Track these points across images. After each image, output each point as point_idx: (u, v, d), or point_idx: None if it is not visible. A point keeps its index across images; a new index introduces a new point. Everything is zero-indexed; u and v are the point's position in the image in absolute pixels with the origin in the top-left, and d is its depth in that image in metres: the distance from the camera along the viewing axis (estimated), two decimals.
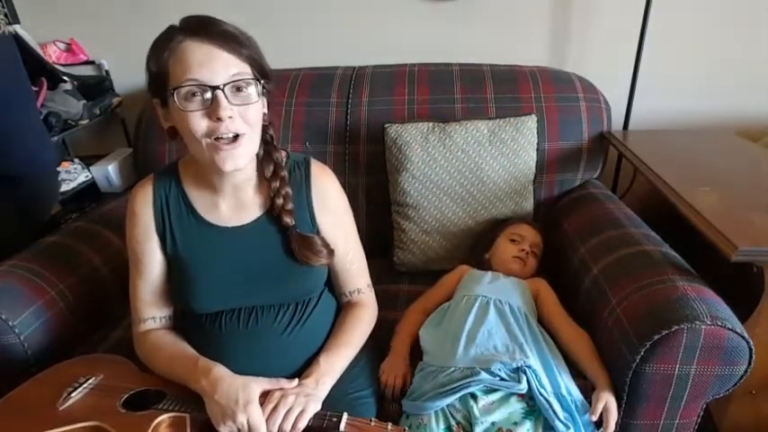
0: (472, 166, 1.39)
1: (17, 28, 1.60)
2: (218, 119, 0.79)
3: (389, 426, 0.80)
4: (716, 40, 1.70)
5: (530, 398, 0.93)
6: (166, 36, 0.81)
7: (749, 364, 0.91)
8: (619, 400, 0.97)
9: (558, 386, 0.95)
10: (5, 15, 1.66)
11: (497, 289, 1.16)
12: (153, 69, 0.82)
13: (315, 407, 0.82)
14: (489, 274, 1.23)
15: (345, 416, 0.81)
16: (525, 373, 0.94)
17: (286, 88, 1.53)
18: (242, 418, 0.78)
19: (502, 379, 0.94)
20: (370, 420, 0.81)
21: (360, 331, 1.00)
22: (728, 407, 1.13)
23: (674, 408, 0.97)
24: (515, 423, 0.89)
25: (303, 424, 0.80)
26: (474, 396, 0.92)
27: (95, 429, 0.82)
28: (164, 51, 0.80)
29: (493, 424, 0.89)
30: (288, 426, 0.79)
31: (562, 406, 0.92)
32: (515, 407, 0.92)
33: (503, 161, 1.40)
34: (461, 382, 0.93)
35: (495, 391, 0.93)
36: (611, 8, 1.67)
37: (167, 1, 1.69)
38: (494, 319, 1.07)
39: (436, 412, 0.93)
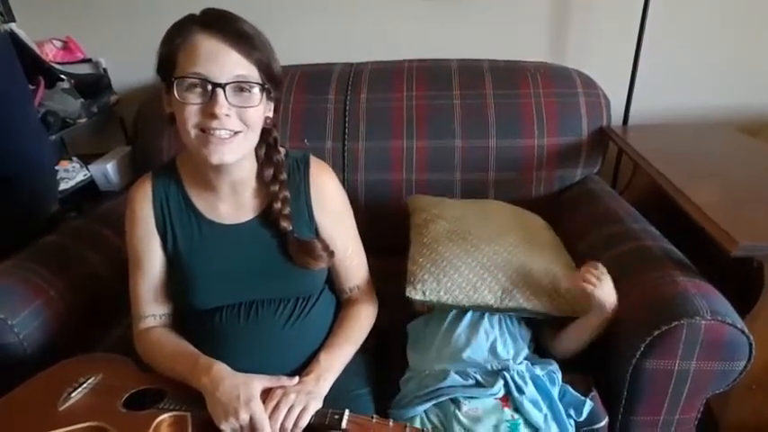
0: None
1: (13, 26, 1.58)
2: (213, 115, 0.79)
3: (391, 422, 0.80)
4: (716, 34, 1.69)
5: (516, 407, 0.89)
6: (183, 23, 0.82)
7: (749, 359, 0.91)
8: (619, 396, 0.97)
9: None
10: (1, 14, 1.65)
11: None
12: (163, 52, 0.82)
13: (316, 404, 0.82)
14: None
15: (347, 413, 0.81)
16: (504, 378, 0.91)
17: (284, 85, 1.52)
18: (244, 415, 0.78)
19: (477, 383, 0.92)
20: (372, 417, 0.81)
21: (360, 328, 1.00)
22: (729, 402, 1.13)
23: (674, 403, 0.97)
24: None
25: (305, 422, 0.80)
26: (456, 401, 0.90)
27: (96, 429, 0.82)
28: (176, 37, 0.81)
29: None
30: (289, 424, 0.79)
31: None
32: (501, 417, 0.87)
33: None
34: (432, 387, 0.91)
35: (479, 397, 0.90)
36: (611, 3, 1.66)
37: None
38: (472, 321, 1.02)
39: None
